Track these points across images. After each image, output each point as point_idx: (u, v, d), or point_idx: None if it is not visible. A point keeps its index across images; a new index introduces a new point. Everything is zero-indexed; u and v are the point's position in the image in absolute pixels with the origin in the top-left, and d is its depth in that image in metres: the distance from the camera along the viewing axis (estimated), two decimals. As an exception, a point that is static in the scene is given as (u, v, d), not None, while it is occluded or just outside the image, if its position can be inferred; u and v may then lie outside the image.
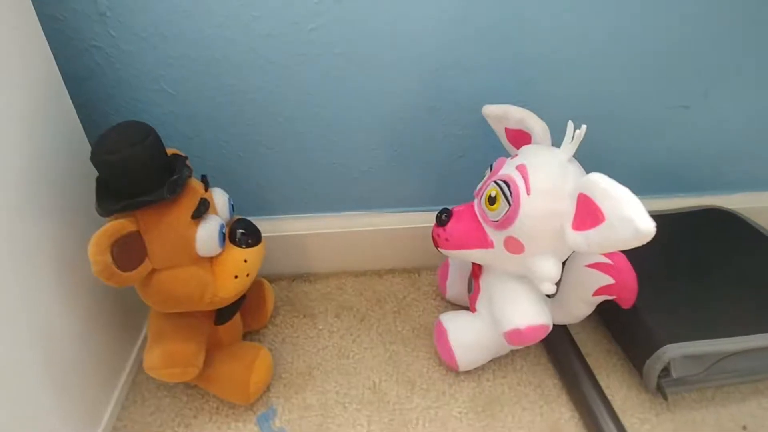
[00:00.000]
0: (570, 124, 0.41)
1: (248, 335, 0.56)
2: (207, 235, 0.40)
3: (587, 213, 0.35)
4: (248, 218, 0.47)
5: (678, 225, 0.62)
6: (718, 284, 0.54)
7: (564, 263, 0.44)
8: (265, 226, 0.59)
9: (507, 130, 0.48)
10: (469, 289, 0.53)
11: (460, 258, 0.49)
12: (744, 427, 0.48)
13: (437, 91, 0.51)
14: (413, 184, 0.60)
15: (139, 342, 0.54)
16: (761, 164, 0.65)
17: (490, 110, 0.48)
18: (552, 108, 0.44)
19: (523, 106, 0.46)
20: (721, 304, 0.52)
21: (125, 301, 0.50)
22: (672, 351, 0.47)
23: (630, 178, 0.62)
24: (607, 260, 0.44)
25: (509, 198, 0.39)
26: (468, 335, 0.50)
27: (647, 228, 0.31)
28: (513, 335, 0.44)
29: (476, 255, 0.45)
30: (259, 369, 0.47)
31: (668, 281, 0.55)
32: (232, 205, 0.46)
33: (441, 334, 0.51)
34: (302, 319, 0.59)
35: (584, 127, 0.38)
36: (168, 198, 0.38)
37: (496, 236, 0.42)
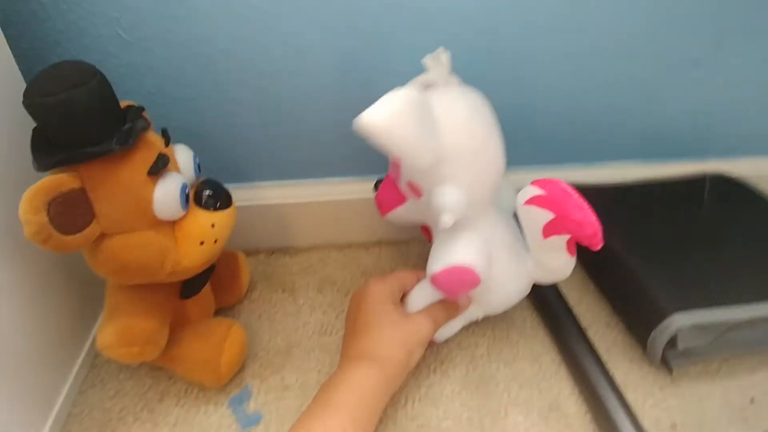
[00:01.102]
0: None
1: (221, 312, 0.51)
2: (166, 194, 0.35)
3: None
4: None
5: (682, 192, 0.59)
6: (725, 251, 0.51)
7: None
8: (240, 194, 0.54)
9: None
10: None
11: (400, 221, 0.47)
12: (752, 400, 0.46)
13: (436, 41, 0.46)
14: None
15: (100, 319, 0.49)
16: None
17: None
18: (546, 66, 0.40)
19: (522, 63, 0.42)
20: (728, 271, 0.49)
21: (81, 271, 0.44)
22: (680, 320, 0.43)
23: (631, 142, 0.59)
24: (539, 190, 0.35)
25: None
26: (420, 300, 0.44)
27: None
28: (433, 282, 0.40)
29: (403, 213, 0.44)
30: (232, 347, 0.43)
31: (673, 249, 0.52)
32: (198, 165, 0.41)
33: None
34: (281, 294, 0.54)
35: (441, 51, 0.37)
36: (117, 150, 0.32)
37: (404, 189, 0.41)
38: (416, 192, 0.39)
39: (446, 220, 0.35)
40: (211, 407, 0.43)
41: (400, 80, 0.48)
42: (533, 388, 0.46)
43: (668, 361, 0.46)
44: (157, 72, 0.46)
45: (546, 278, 0.44)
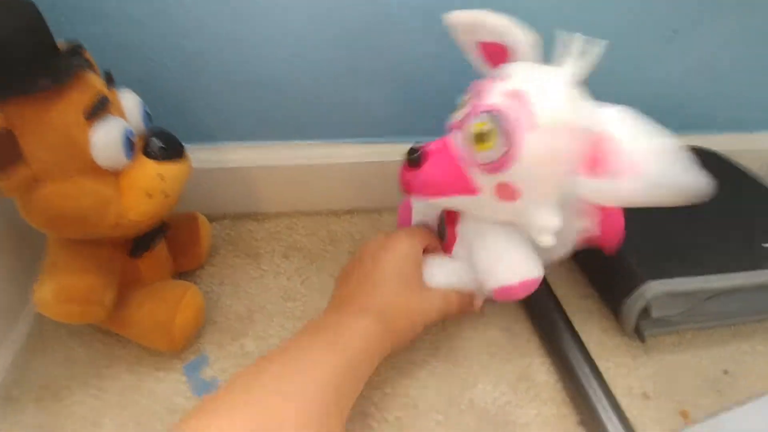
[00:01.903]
0: (567, 37, 0.31)
1: (181, 276, 0.48)
2: (106, 138, 0.32)
3: (604, 158, 0.29)
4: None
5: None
6: (701, 221, 0.50)
7: None
8: (204, 155, 0.51)
9: (482, 45, 0.37)
10: (442, 236, 0.44)
11: (435, 204, 0.41)
12: (725, 372, 0.45)
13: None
14: (379, 109, 0.51)
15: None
16: (748, 104, 0.60)
17: (458, 18, 0.37)
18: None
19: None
20: (705, 240, 0.48)
21: (22, 226, 0.40)
22: (654, 288, 0.42)
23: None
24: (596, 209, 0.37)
25: (507, 135, 0.30)
26: (441, 277, 0.41)
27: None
28: (504, 292, 0.37)
29: (456, 202, 0.37)
30: (187, 309, 0.40)
31: (650, 218, 0.50)
32: (147, 113, 0.38)
33: None
34: (245, 260, 0.52)
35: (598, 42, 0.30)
36: (48, 87, 0.29)
37: (484, 181, 0.33)
38: (511, 195, 0.33)
39: (549, 241, 0.33)
40: (163, 373, 0.41)
41: (383, 35, 0.46)
42: (504, 357, 0.45)
43: (641, 330, 0.45)
44: (105, 15, 0.42)
45: None
